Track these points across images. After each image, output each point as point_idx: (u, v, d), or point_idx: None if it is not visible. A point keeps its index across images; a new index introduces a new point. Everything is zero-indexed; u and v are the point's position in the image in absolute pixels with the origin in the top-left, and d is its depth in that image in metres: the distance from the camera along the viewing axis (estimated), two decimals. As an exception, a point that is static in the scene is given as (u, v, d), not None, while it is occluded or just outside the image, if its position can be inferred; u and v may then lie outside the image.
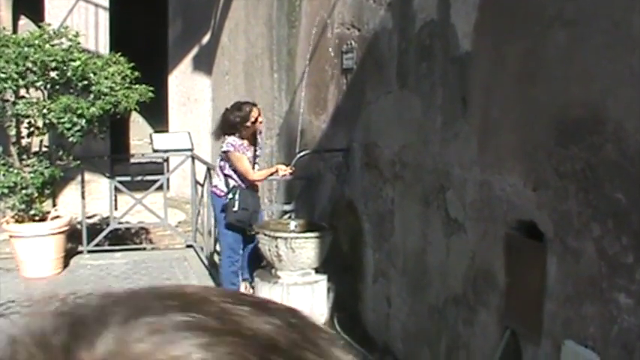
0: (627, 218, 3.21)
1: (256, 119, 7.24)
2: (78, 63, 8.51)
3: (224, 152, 7.24)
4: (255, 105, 7.34)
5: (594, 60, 3.42)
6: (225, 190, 7.25)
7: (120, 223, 10.22)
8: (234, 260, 7.35)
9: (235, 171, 7.23)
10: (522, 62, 4.02)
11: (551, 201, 3.72)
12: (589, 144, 3.42)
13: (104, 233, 9.88)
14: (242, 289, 7.43)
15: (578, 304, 3.52)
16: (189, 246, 10.13)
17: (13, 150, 8.85)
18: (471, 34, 4.59)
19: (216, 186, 7.44)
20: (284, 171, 7.15)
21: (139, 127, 16.38)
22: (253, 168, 7.35)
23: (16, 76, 8.18)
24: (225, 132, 7.30)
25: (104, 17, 11.80)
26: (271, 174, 7.39)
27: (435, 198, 5.12)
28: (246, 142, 7.26)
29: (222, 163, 7.35)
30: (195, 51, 13.25)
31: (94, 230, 10.02)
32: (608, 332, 3.30)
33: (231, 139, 7.18)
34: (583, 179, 3.46)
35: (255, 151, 7.46)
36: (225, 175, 7.29)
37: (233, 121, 7.21)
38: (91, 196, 10.68)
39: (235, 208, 7.06)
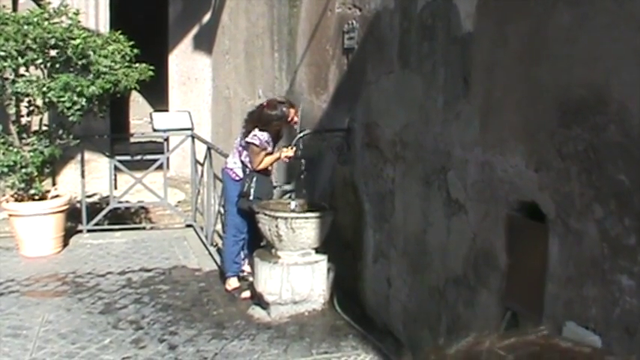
0: (630, 200, 3.19)
1: (292, 119, 7.27)
2: (78, 41, 8.48)
3: (247, 142, 7.21)
4: (293, 106, 7.34)
5: (598, 40, 3.39)
6: (242, 175, 7.26)
7: (119, 202, 10.22)
8: (239, 239, 7.36)
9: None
10: (525, 42, 4.00)
11: (554, 182, 3.71)
12: (592, 125, 3.40)
13: (104, 212, 9.89)
14: (245, 267, 7.45)
15: (580, 286, 3.52)
16: (188, 225, 10.15)
17: (13, 129, 8.84)
18: (473, 14, 4.56)
19: (232, 169, 7.39)
20: (286, 152, 7.12)
21: (139, 107, 16.39)
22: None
23: (15, 53, 8.16)
24: (257, 125, 7.21)
25: (104, -4, 11.75)
26: (275, 160, 7.37)
27: (436, 178, 5.11)
28: (270, 137, 7.23)
29: (240, 149, 7.33)
30: (195, 30, 13.20)
31: (93, 209, 10.03)
32: (610, 314, 3.30)
33: (260, 134, 7.14)
34: (586, 160, 3.44)
35: (275, 144, 7.42)
36: (242, 162, 7.29)
37: (268, 119, 7.17)
38: (91, 176, 10.67)
39: (250, 197, 7.08)
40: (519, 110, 4.05)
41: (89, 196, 10.41)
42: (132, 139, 13.10)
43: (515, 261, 4.13)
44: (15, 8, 10.94)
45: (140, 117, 16.07)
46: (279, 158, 7.26)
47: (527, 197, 3.97)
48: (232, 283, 7.38)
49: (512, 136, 4.12)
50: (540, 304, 3.84)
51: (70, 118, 8.60)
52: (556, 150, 3.67)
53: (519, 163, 4.03)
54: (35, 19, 8.42)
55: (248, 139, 7.17)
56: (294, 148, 7.08)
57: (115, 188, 10.40)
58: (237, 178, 7.32)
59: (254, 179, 7.12)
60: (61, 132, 9.00)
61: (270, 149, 7.22)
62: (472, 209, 4.63)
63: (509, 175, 4.14)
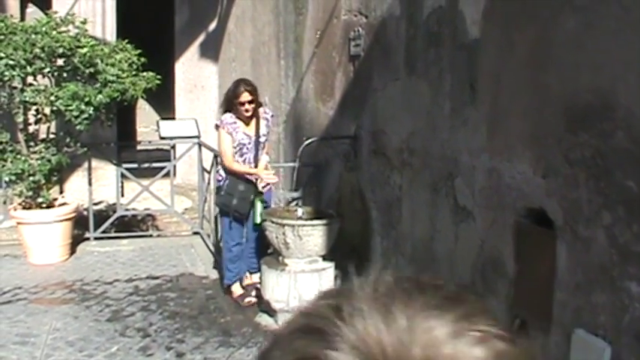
0: (638, 206, 3.18)
1: (244, 102, 6.97)
2: (85, 50, 8.51)
3: (215, 127, 7.17)
4: (250, 88, 7.06)
5: (604, 46, 3.39)
6: (224, 175, 7.18)
7: (126, 210, 10.22)
8: (230, 246, 7.25)
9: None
10: (531, 48, 3.99)
11: (561, 188, 3.70)
12: (599, 131, 3.39)
13: (111, 220, 9.89)
14: (245, 279, 7.41)
15: (589, 293, 3.50)
16: (195, 233, 10.14)
17: (21, 137, 8.86)
18: (479, 20, 4.56)
19: (218, 171, 7.39)
20: (266, 177, 6.99)
21: (145, 114, 16.41)
22: (257, 156, 7.12)
23: (23, 62, 8.19)
24: (223, 107, 7.22)
25: (111, 4, 11.78)
26: (250, 174, 7.07)
27: (444, 185, 5.10)
28: (240, 123, 7.08)
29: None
30: (201, 38, 13.22)
31: (100, 217, 10.03)
32: (620, 321, 3.29)
33: (224, 116, 7.07)
34: (593, 166, 3.44)
35: (258, 138, 7.20)
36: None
37: (226, 97, 7.17)
38: (98, 183, 10.68)
39: (222, 192, 7.04)
40: (526, 116, 4.05)
41: (96, 204, 10.41)
42: (139, 147, 13.12)
43: (524, 268, 4.12)
44: (23, 17, 10.99)
45: (147, 125, 16.08)
46: (254, 175, 7.02)
47: (535, 204, 3.96)
48: (235, 289, 7.34)
49: (519, 143, 4.12)
50: (549, 311, 3.82)
51: (78, 127, 8.62)
52: (563, 156, 3.67)
53: (527, 170, 4.03)
54: (43, 29, 8.45)
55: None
56: (276, 179, 7.05)
57: (122, 196, 10.41)
58: (220, 179, 7.29)
59: (228, 175, 7.05)
60: (68, 140, 9.03)
61: (242, 138, 7.06)
62: (480, 216, 4.62)
63: (517, 181, 4.14)
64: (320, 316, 0.66)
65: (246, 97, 6.98)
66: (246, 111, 7.02)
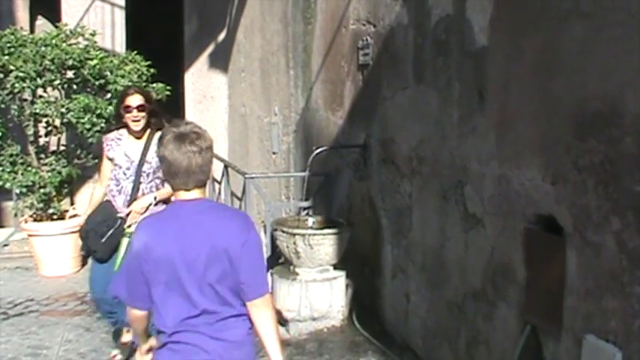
0: (647, 211, 3.18)
1: (132, 107, 5.61)
2: (95, 62, 8.55)
3: None
4: (141, 91, 5.79)
5: (612, 52, 3.39)
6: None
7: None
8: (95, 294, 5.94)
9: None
10: (539, 55, 4.00)
11: (570, 195, 3.70)
12: (608, 137, 3.39)
13: (122, 231, 9.91)
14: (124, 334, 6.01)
15: (599, 299, 3.50)
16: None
17: (32, 149, 8.91)
18: (486, 28, 4.57)
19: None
20: (131, 216, 5.68)
21: (155, 126, 16.41)
22: (136, 189, 5.73)
23: (34, 75, 8.23)
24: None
25: (120, 16, 11.83)
26: (94, 203, 5.95)
27: (453, 193, 5.10)
28: (125, 142, 5.75)
29: None
30: (211, 48, 13.25)
31: (112, 228, 10.05)
32: (630, 326, 3.28)
33: (112, 132, 5.90)
34: (602, 172, 3.44)
35: (141, 166, 5.70)
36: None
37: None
38: (109, 195, 10.70)
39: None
40: (535, 123, 4.05)
41: (107, 216, 10.44)
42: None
43: (534, 274, 4.12)
44: (32, 30, 11.05)
45: (157, 136, 16.12)
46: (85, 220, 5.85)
47: (544, 210, 3.96)
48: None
49: (528, 150, 4.12)
50: (559, 317, 3.82)
51: (90, 140, 8.67)
52: (572, 163, 3.67)
53: (536, 177, 4.03)
54: (53, 41, 8.50)
55: None
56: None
57: (133, 207, 10.43)
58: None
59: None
60: (78, 152, 9.07)
61: (119, 161, 5.71)
62: (489, 223, 4.62)
63: (526, 188, 4.14)
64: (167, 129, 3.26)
65: (134, 100, 5.61)
66: (135, 118, 5.62)
